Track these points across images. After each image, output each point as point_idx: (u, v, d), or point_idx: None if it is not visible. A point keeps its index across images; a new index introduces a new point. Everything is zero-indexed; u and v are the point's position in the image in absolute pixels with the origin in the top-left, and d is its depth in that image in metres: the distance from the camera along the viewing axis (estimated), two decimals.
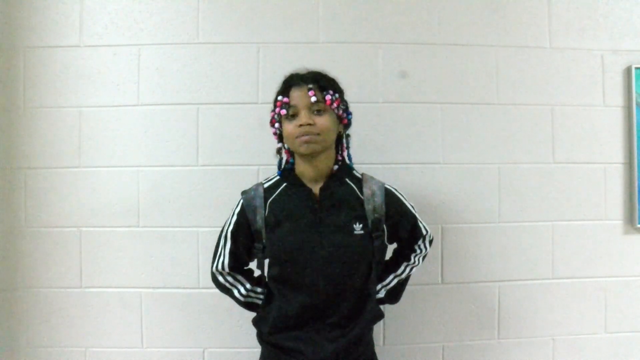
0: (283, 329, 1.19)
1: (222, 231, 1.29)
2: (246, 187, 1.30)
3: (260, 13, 1.64)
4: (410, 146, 1.66)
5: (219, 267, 1.28)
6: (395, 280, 1.35)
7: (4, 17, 1.63)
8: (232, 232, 1.26)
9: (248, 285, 1.31)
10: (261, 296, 1.31)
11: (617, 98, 1.71)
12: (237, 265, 1.30)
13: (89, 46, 1.63)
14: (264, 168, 1.62)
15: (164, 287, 1.63)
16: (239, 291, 1.30)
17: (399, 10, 1.66)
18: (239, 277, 1.30)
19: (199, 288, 1.62)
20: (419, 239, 1.33)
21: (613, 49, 1.71)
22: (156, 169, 1.63)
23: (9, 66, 1.62)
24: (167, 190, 1.63)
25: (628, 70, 1.70)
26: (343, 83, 1.29)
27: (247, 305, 1.32)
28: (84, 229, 1.62)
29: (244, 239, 1.25)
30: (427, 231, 1.34)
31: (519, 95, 1.69)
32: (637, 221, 1.69)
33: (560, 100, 1.70)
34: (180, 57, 1.63)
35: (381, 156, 1.65)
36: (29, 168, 1.62)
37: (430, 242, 1.38)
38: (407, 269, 1.35)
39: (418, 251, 1.35)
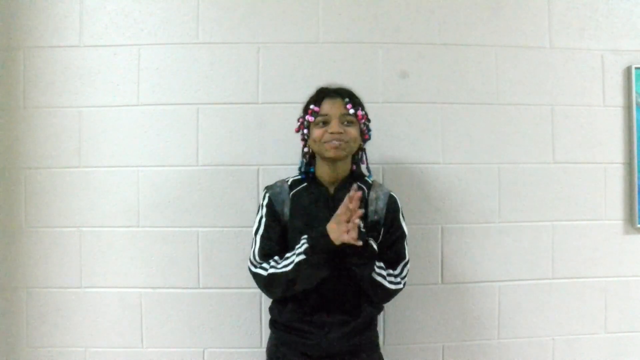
0: (298, 314, 1.28)
1: (256, 230, 1.32)
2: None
3: (260, 13, 1.64)
4: (410, 146, 1.66)
5: (256, 257, 1.29)
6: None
7: (4, 17, 1.63)
8: (265, 225, 1.31)
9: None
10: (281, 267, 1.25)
11: (617, 98, 1.71)
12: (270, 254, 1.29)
13: (89, 46, 1.63)
14: (263, 168, 1.62)
15: (164, 287, 1.63)
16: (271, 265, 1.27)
17: (399, 10, 1.67)
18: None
19: (199, 288, 1.62)
20: (400, 260, 1.32)
21: (613, 49, 1.71)
22: (156, 169, 1.63)
23: (9, 66, 1.62)
24: (167, 190, 1.63)
25: (628, 70, 1.70)
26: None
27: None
28: (84, 229, 1.62)
29: (277, 228, 1.31)
30: (407, 257, 1.33)
31: (519, 95, 1.69)
32: (637, 221, 1.69)
33: (560, 100, 1.70)
34: (180, 57, 1.63)
35: (381, 156, 1.65)
36: (29, 168, 1.62)
37: (404, 277, 1.31)
38: (383, 272, 1.27)
39: (396, 272, 1.31)
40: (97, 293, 1.63)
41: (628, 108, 1.71)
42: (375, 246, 1.27)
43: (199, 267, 1.62)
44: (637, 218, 1.69)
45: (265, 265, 1.27)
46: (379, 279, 1.25)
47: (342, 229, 1.14)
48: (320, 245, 1.17)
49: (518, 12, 1.69)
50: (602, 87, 1.71)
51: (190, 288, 1.62)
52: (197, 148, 1.63)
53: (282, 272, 1.22)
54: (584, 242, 1.70)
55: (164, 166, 1.63)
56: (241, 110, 1.64)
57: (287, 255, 1.24)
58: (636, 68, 1.69)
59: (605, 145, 1.71)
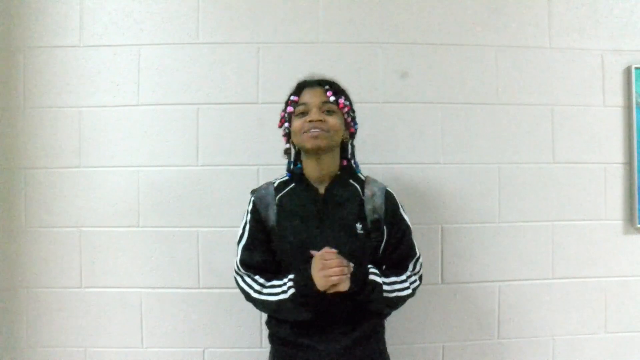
0: (297, 327, 1.20)
1: (240, 239, 1.27)
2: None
3: (260, 13, 1.64)
4: (410, 146, 1.66)
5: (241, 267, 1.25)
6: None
7: (4, 17, 1.63)
8: (249, 233, 1.25)
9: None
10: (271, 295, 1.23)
11: (617, 98, 1.71)
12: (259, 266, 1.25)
13: (89, 46, 1.63)
14: (263, 168, 1.62)
15: (164, 287, 1.63)
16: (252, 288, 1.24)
17: (399, 10, 1.67)
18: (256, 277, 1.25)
19: (199, 288, 1.62)
20: (411, 257, 1.28)
21: (613, 49, 1.71)
22: (156, 169, 1.63)
23: (9, 66, 1.62)
24: (167, 190, 1.63)
25: (628, 70, 1.70)
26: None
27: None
28: (84, 229, 1.62)
29: (262, 235, 1.24)
30: (418, 253, 1.30)
31: (519, 95, 1.69)
32: (637, 221, 1.69)
33: (560, 100, 1.70)
34: (180, 57, 1.63)
35: (381, 156, 1.65)
36: (29, 168, 1.62)
37: (418, 272, 1.30)
38: (397, 285, 1.23)
39: (410, 271, 1.28)
40: (97, 293, 1.63)
41: (628, 108, 1.71)
42: (377, 276, 1.18)
43: (199, 267, 1.62)
44: (637, 218, 1.69)
45: (250, 281, 1.22)
46: (394, 295, 1.20)
47: (327, 280, 1.08)
48: (306, 291, 1.12)
49: (518, 12, 1.69)
50: (602, 87, 1.71)
51: (190, 288, 1.62)
52: (197, 148, 1.63)
53: (265, 300, 1.19)
54: (584, 242, 1.70)
55: (164, 166, 1.63)
56: (241, 110, 1.64)
57: (275, 282, 1.19)
58: (636, 68, 1.69)
59: (605, 145, 1.71)
